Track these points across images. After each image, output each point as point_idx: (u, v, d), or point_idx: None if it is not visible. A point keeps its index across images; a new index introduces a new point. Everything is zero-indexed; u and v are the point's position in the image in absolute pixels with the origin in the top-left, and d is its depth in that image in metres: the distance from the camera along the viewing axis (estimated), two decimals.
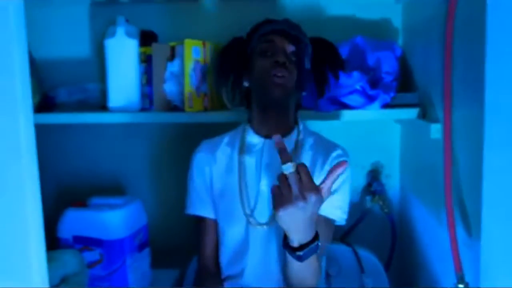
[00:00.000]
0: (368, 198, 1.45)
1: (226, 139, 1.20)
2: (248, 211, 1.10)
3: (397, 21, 1.45)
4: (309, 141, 1.16)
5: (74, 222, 1.15)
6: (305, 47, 1.14)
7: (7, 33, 0.60)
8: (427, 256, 1.24)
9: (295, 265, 0.92)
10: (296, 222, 0.85)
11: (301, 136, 1.15)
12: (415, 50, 1.34)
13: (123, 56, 1.33)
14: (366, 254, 1.29)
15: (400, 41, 1.44)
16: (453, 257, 0.91)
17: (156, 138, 1.53)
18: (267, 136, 1.13)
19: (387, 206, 1.44)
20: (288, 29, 1.12)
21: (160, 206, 1.53)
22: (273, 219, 1.06)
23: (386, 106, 1.26)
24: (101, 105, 1.40)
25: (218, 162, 1.16)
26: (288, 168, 0.83)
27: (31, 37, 1.51)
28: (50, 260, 1.08)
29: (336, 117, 1.26)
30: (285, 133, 1.13)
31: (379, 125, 1.47)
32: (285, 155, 0.85)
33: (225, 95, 1.20)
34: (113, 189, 1.50)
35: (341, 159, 1.09)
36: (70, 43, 1.54)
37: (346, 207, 1.10)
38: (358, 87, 1.25)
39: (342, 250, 1.29)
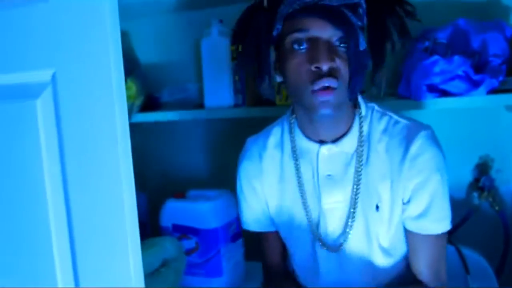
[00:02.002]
0: (475, 194, 1.32)
1: (273, 138, 0.99)
2: (312, 233, 0.94)
3: None
4: (378, 128, 0.89)
5: (174, 212, 1.22)
6: (358, 15, 0.78)
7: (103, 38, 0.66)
8: None
9: None
10: None
11: (365, 125, 0.90)
12: None
13: (216, 55, 1.39)
14: (471, 255, 1.17)
15: (511, 21, 1.30)
16: None
17: (250, 132, 1.56)
18: (321, 141, 0.91)
19: (498, 203, 1.29)
20: (325, 6, 0.76)
21: None
22: (343, 244, 0.92)
23: (494, 91, 1.14)
24: (200, 103, 1.48)
25: (267, 172, 0.98)
26: None
27: (137, 43, 1.67)
28: (151, 246, 1.18)
29: (436, 105, 1.17)
30: (344, 132, 0.90)
31: (488, 114, 1.33)
32: None
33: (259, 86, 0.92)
34: (211, 181, 1.57)
35: (424, 155, 0.84)
36: (172, 47, 1.65)
37: (448, 212, 0.89)
38: (460, 72, 1.15)
39: None
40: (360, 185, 0.89)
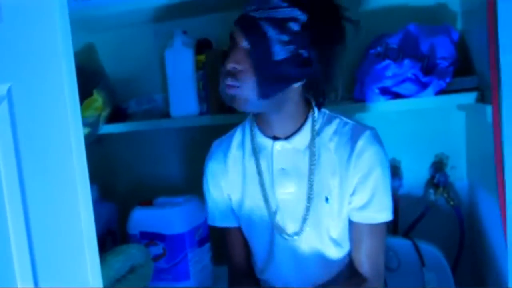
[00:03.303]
0: (431, 191, 1.38)
1: (236, 140, 1.08)
2: (269, 222, 1.02)
3: (455, 5, 1.37)
4: (329, 130, 0.99)
5: (140, 219, 1.25)
6: (283, 28, 0.86)
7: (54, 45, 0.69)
8: (499, 253, 1.16)
9: None
10: None
11: (317, 126, 0.99)
12: (473, 32, 1.27)
13: (180, 65, 1.42)
14: (427, 248, 1.24)
15: (459, 25, 1.37)
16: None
17: (215, 138, 1.60)
18: (274, 137, 1.00)
19: (453, 198, 1.36)
20: (254, 12, 0.88)
21: None
22: (297, 232, 1.00)
23: (444, 92, 1.21)
24: (166, 113, 1.51)
25: (231, 171, 1.06)
26: None
27: (104, 55, 1.69)
28: (119, 253, 1.20)
29: (388, 107, 1.23)
30: (295, 130, 0.99)
31: (442, 114, 1.40)
32: None
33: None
34: (180, 188, 1.60)
35: (367, 151, 0.94)
36: (139, 58, 1.67)
37: (390, 203, 0.98)
38: (410, 75, 1.22)
39: (402, 243, 1.25)
40: (312, 180, 0.98)
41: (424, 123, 1.42)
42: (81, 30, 1.60)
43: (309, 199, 0.98)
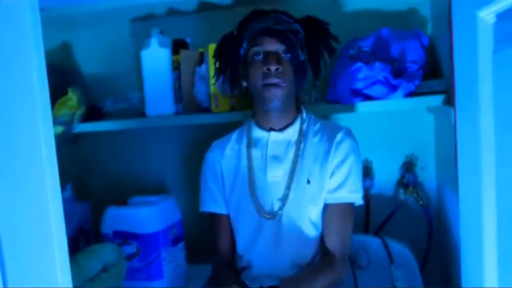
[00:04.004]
0: (401, 190, 1.42)
1: (234, 136, 1.24)
2: (257, 203, 1.14)
3: (426, 10, 1.42)
4: (314, 128, 1.18)
5: (114, 219, 1.25)
6: (297, 38, 1.13)
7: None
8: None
9: None
10: None
11: (305, 125, 1.18)
12: (441, 37, 1.31)
13: (156, 65, 1.42)
14: (396, 245, 1.27)
15: (429, 30, 1.41)
16: None
17: (190, 139, 1.61)
18: (270, 129, 1.17)
19: (421, 198, 1.40)
20: (275, 25, 1.11)
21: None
22: (281, 212, 1.12)
23: (413, 94, 1.25)
24: (142, 112, 1.51)
25: (227, 159, 1.21)
26: None
27: (80, 54, 1.68)
28: (92, 252, 1.20)
29: (359, 108, 1.26)
30: (288, 124, 1.16)
31: (411, 116, 1.44)
32: None
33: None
34: (155, 188, 1.60)
35: (345, 142, 1.13)
36: (115, 57, 1.66)
37: (361, 188, 1.13)
38: (380, 77, 1.25)
39: (372, 241, 1.28)
40: (297, 166, 1.14)
41: (394, 124, 1.46)
42: (57, 28, 1.59)
43: (291, 179, 1.13)
